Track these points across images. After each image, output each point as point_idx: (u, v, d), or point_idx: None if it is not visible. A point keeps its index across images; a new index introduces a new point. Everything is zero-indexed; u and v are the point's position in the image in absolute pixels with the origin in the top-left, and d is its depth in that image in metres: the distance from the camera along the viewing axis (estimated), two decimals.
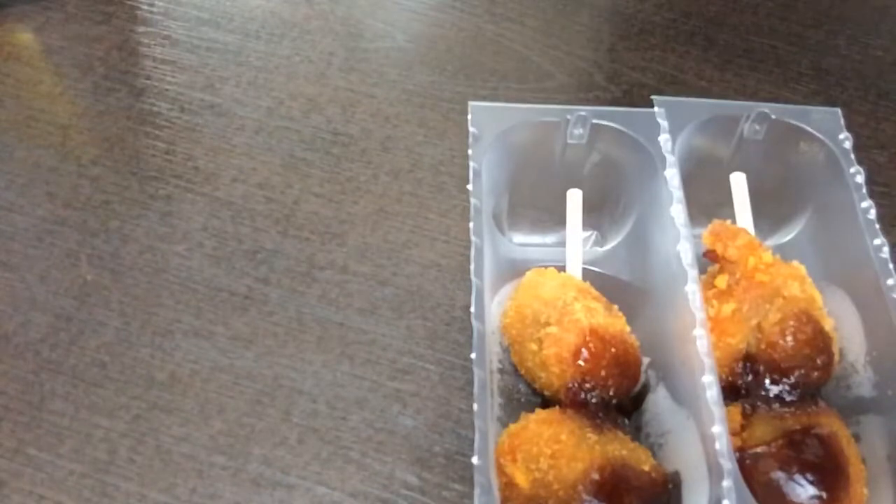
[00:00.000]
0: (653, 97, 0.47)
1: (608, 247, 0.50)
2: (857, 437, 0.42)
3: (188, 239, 0.51)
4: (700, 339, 0.39)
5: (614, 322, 0.43)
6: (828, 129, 0.47)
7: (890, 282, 0.42)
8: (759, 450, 0.40)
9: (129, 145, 0.55)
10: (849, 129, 0.47)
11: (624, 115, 0.46)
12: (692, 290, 0.41)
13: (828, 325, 0.43)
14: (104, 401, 0.45)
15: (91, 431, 0.44)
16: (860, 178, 0.45)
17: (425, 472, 0.44)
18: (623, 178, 0.48)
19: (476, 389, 0.37)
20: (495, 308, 0.47)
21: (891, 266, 0.42)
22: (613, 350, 0.42)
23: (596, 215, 0.49)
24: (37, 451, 0.43)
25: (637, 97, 0.59)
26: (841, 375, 0.44)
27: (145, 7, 0.62)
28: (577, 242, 0.47)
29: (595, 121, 0.46)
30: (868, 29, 0.65)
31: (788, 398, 0.42)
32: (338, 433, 0.45)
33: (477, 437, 0.36)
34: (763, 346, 0.42)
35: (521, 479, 0.39)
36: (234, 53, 0.60)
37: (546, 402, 0.43)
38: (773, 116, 0.47)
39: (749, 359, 0.43)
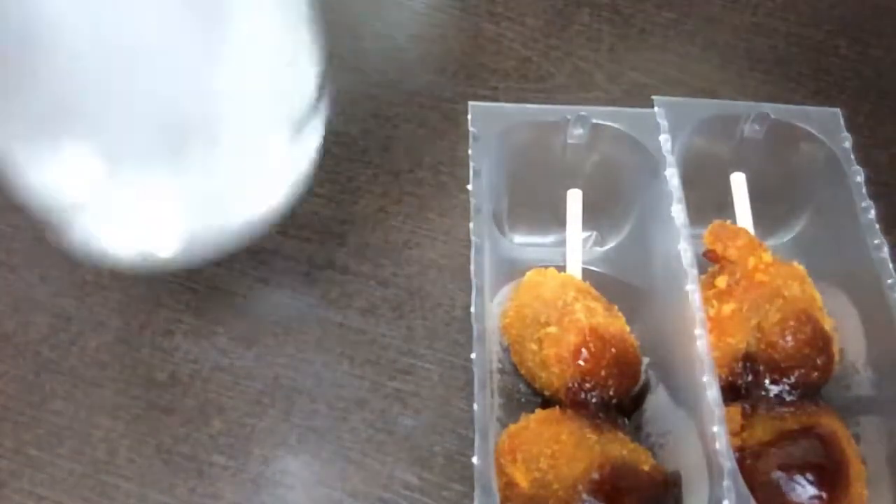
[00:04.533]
0: (653, 97, 0.47)
1: (608, 247, 0.50)
2: (857, 437, 0.42)
3: None
4: (700, 339, 0.39)
5: (614, 322, 0.43)
6: (828, 129, 0.47)
7: (890, 282, 0.42)
8: (759, 450, 0.40)
9: None
10: (849, 129, 0.47)
11: (624, 115, 0.46)
12: (692, 290, 0.41)
13: (828, 325, 0.43)
14: (104, 401, 0.45)
15: (91, 431, 0.44)
16: (860, 178, 0.45)
17: (425, 472, 0.44)
18: (623, 178, 0.48)
19: (476, 389, 0.37)
20: (495, 308, 0.47)
21: (891, 266, 0.42)
22: (613, 350, 0.42)
23: (596, 215, 0.49)
24: (37, 451, 0.43)
25: (637, 97, 0.59)
26: (841, 375, 0.44)
27: None
28: (577, 242, 0.47)
29: (595, 121, 0.46)
30: (868, 29, 0.65)
31: (788, 398, 0.42)
32: (338, 433, 0.45)
33: (477, 437, 0.36)
34: (763, 346, 0.42)
35: (521, 479, 0.39)
36: None
37: (546, 402, 0.43)
38: (773, 116, 0.47)
39: (749, 359, 0.43)
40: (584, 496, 0.37)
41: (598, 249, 0.50)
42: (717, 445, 0.37)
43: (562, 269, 0.47)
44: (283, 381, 0.46)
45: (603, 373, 0.41)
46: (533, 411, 0.42)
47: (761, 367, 0.42)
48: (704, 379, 0.38)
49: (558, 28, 0.64)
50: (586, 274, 0.47)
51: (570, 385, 0.41)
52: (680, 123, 0.46)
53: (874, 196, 0.45)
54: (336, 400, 0.46)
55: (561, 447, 0.39)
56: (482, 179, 0.43)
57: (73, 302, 0.48)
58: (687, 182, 0.44)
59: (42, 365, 0.46)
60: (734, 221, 0.47)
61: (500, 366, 0.46)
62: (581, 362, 0.41)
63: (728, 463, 0.36)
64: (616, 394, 0.42)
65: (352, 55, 0.61)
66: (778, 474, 0.39)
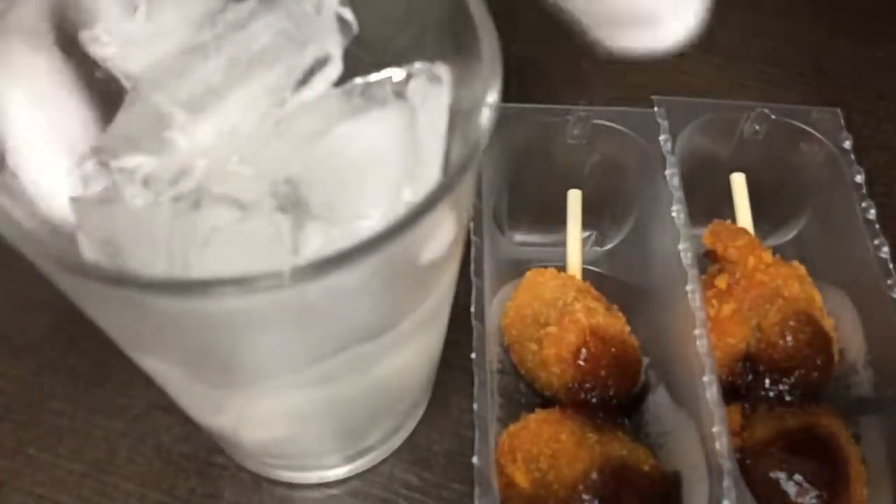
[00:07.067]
0: (653, 97, 0.47)
1: (608, 247, 0.50)
2: (857, 437, 0.42)
3: None
4: (700, 339, 0.39)
5: (614, 322, 0.43)
6: (828, 129, 0.47)
7: (890, 282, 0.42)
8: (759, 450, 0.40)
9: None
10: (849, 129, 0.47)
11: (624, 115, 0.46)
12: (692, 290, 0.41)
13: (828, 325, 0.43)
14: (104, 401, 0.45)
15: (91, 431, 0.44)
16: (860, 179, 0.45)
17: (425, 472, 0.44)
18: (623, 178, 0.48)
19: (476, 389, 0.37)
20: (495, 308, 0.47)
21: (891, 266, 0.42)
22: (613, 350, 0.42)
23: (596, 215, 0.49)
24: (37, 451, 0.43)
25: (637, 97, 0.59)
26: (841, 375, 0.44)
27: None
28: (577, 242, 0.47)
29: (595, 121, 0.46)
30: (868, 29, 0.65)
31: (788, 398, 0.42)
32: None
33: (477, 437, 0.36)
34: (763, 346, 0.42)
35: (521, 479, 0.39)
36: None
37: (546, 402, 0.43)
38: (773, 116, 0.47)
39: (749, 359, 0.43)
40: (584, 496, 0.37)
41: (598, 249, 0.50)
42: (717, 445, 0.37)
43: (562, 269, 0.47)
44: None
45: (603, 373, 0.41)
46: (533, 411, 0.42)
47: (761, 367, 0.42)
48: (704, 379, 0.38)
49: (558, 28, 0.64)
50: (586, 274, 0.47)
51: (570, 385, 0.41)
52: (680, 123, 0.46)
53: (874, 196, 0.45)
54: None
55: (561, 447, 0.39)
56: (482, 179, 0.43)
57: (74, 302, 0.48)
58: (687, 182, 0.44)
59: (42, 365, 0.46)
60: (734, 221, 0.47)
61: (500, 366, 0.46)
62: (581, 362, 0.41)
63: (728, 463, 0.36)
64: (616, 394, 0.42)
65: None
66: (778, 474, 0.39)
